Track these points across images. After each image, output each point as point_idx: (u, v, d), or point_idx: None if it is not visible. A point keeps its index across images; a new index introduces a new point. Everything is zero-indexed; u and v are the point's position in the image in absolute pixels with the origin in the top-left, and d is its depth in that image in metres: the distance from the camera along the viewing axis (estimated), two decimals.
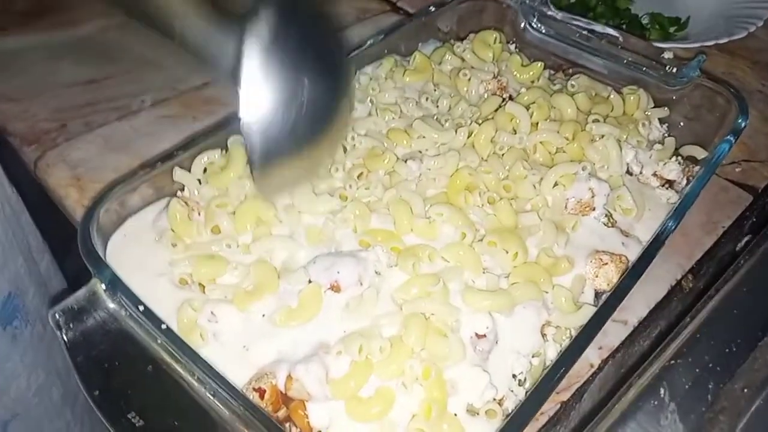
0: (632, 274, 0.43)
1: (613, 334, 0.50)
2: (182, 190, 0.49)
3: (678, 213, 0.46)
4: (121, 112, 0.67)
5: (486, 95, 0.57)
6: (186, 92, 0.70)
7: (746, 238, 0.59)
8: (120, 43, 0.76)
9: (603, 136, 0.53)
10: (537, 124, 0.54)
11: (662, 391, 0.31)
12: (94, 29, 0.78)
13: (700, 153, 0.58)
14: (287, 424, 0.38)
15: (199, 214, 0.46)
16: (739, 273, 0.38)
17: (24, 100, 0.68)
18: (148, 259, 0.44)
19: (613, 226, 0.50)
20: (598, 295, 0.46)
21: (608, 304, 0.40)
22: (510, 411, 0.39)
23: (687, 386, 0.32)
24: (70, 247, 0.70)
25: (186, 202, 0.46)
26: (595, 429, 0.30)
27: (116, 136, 0.64)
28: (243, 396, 0.35)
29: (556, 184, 0.50)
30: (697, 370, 0.32)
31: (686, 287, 0.55)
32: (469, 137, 0.52)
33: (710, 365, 0.32)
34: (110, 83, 0.71)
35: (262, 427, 0.33)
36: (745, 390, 0.30)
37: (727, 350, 0.33)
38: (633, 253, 0.47)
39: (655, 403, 0.31)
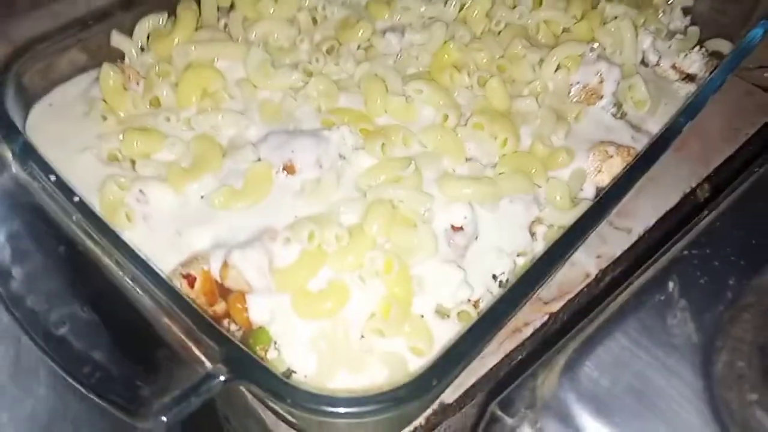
0: (637, 165, 0.36)
1: (613, 243, 0.43)
2: (122, 59, 0.42)
3: (695, 105, 0.39)
4: None
5: None
6: None
7: None
8: None
9: (617, 17, 0.45)
10: (541, 1, 0.46)
11: (671, 285, 0.25)
12: None
13: (726, 47, 0.50)
14: (226, 321, 0.33)
15: (137, 83, 0.40)
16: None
17: None
18: (74, 131, 0.38)
19: (622, 118, 0.43)
20: (599, 192, 0.39)
21: (608, 197, 0.34)
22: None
23: (702, 281, 0.25)
24: None
25: (123, 70, 0.40)
26: (586, 327, 0.24)
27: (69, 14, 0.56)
28: (166, 282, 0.29)
29: (559, 67, 0.42)
30: (716, 263, 0.26)
31: (701, 197, 0.49)
32: (461, 10, 0.45)
33: (732, 258, 0.26)
34: None
35: (186, 318, 0.28)
36: None
37: (754, 242, 0.26)
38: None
39: (662, 298, 0.25)
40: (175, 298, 0.28)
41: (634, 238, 0.44)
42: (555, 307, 0.40)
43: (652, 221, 0.46)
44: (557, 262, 0.31)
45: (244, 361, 0.26)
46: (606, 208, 0.34)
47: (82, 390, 0.27)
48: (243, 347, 0.27)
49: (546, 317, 0.39)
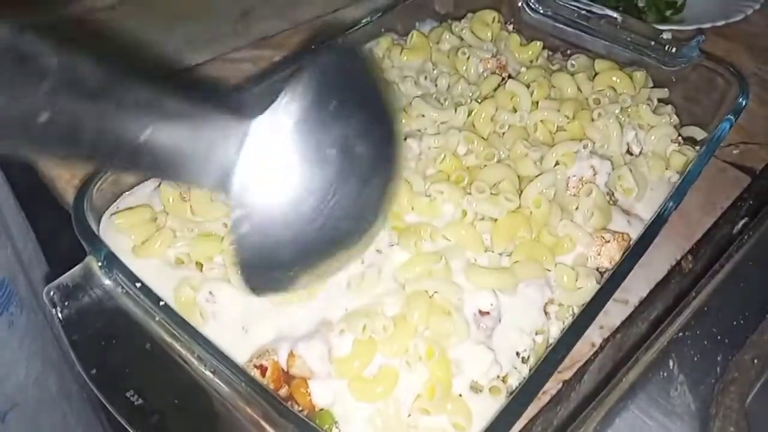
0: (634, 251, 0.42)
1: (613, 314, 0.49)
2: None
3: (680, 191, 0.46)
4: None
5: (485, 74, 0.57)
6: (177, 72, 0.69)
7: (743, 221, 0.59)
8: (107, 25, 0.75)
9: (602, 116, 0.52)
10: (537, 103, 0.53)
11: (671, 363, 0.31)
12: (81, 10, 0.77)
13: (699, 134, 0.58)
14: (289, 402, 0.37)
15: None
16: (743, 248, 0.37)
17: None
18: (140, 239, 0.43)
19: (615, 205, 0.49)
20: (600, 272, 0.45)
21: (611, 282, 0.40)
22: (513, 388, 0.39)
23: (695, 358, 0.31)
24: (55, 233, 0.69)
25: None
26: (605, 400, 0.30)
27: None
28: (245, 372, 0.34)
29: (557, 164, 0.49)
30: (706, 343, 0.32)
31: (686, 267, 0.55)
32: (469, 116, 0.51)
33: (718, 337, 0.32)
34: None
35: (264, 403, 0.33)
36: (755, 360, 0.30)
37: (734, 323, 0.32)
38: (635, 232, 0.47)
39: (665, 374, 0.31)
40: (256, 386, 0.33)
41: (630, 308, 0.51)
42: (567, 375, 0.45)
43: (645, 292, 0.52)
44: (574, 342, 0.37)
45: None
46: (610, 291, 0.40)
47: None
48: (317, 427, 0.32)
49: (560, 384, 0.44)
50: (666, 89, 0.60)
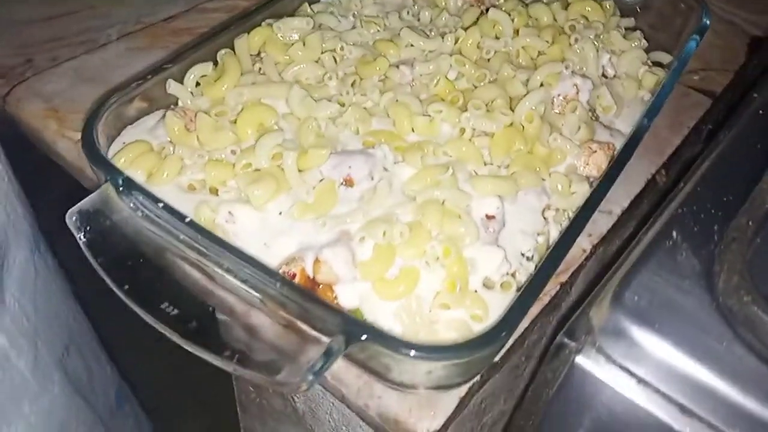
0: (620, 158, 0.45)
1: (600, 223, 0.53)
2: (175, 104, 0.48)
3: (656, 105, 0.49)
4: (88, 45, 0.65)
5: (465, 7, 0.59)
6: (153, 25, 0.68)
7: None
8: None
9: (579, 40, 0.55)
10: (517, 31, 0.56)
11: (674, 233, 0.34)
12: None
13: (665, 58, 0.61)
14: None
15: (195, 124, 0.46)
16: (724, 141, 0.41)
17: None
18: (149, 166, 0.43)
19: (596, 121, 0.52)
20: (590, 181, 0.49)
21: (603, 184, 0.43)
22: (521, 284, 0.41)
23: (695, 229, 0.34)
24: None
25: (184, 113, 0.46)
26: (619, 269, 0.33)
27: (87, 69, 0.62)
28: (281, 276, 0.35)
29: (541, 85, 0.52)
30: (702, 216, 0.35)
31: (660, 181, 0.59)
32: (455, 44, 0.53)
33: (712, 211, 0.35)
34: (72, 19, 0.69)
35: (304, 301, 0.34)
36: (750, 222, 0.33)
37: (724, 199, 0.36)
38: (618, 143, 0.50)
39: (670, 243, 0.34)
40: (294, 288, 0.35)
41: (614, 218, 0.54)
42: (563, 278, 0.48)
43: (626, 203, 0.56)
44: (574, 238, 0.39)
45: (360, 326, 0.33)
46: (602, 193, 0.43)
47: (228, 368, 0.33)
48: (356, 318, 0.34)
49: (558, 286, 0.48)
50: (632, 18, 0.63)
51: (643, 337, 0.30)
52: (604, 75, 0.57)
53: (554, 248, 0.39)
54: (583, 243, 0.51)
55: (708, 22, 0.57)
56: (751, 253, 0.32)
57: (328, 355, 0.32)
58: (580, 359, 0.32)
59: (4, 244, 0.53)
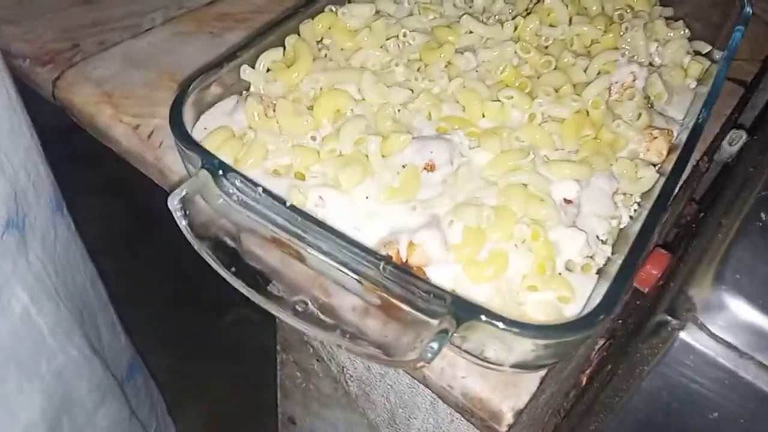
0: (686, 147, 0.47)
1: None
2: (247, 89, 0.49)
3: (711, 96, 0.51)
4: (134, 30, 0.65)
5: None
6: (195, 9, 0.68)
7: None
8: None
9: (629, 29, 0.57)
10: (570, 19, 0.57)
11: (763, 215, 0.36)
12: None
13: (704, 47, 0.63)
14: None
15: (273, 111, 0.47)
16: None
17: (24, 22, 0.64)
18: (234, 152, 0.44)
19: (651, 107, 0.54)
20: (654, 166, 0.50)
21: (676, 171, 0.44)
22: (601, 266, 0.43)
23: None
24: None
25: (262, 99, 0.46)
26: (714, 247, 0.35)
27: (135, 53, 0.62)
28: (383, 257, 0.36)
29: (599, 73, 0.53)
30: None
31: (702, 167, 0.61)
32: (515, 31, 0.54)
33: None
34: (112, 3, 0.68)
35: (409, 281, 0.35)
36: None
37: None
38: (675, 130, 0.52)
39: (760, 224, 0.35)
40: (402, 270, 0.36)
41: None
42: None
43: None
44: (656, 224, 0.41)
45: (468, 306, 0.35)
46: (674, 182, 0.44)
47: (342, 344, 0.34)
48: (467, 299, 0.35)
49: None
50: (671, 8, 0.65)
51: (746, 311, 0.32)
52: (651, 64, 0.59)
53: (639, 236, 0.40)
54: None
55: (750, 11, 0.58)
56: None
57: (443, 335, 0.33)
58: (684, 335, 0.33)
59: (27, 203, 0.53)
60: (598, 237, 0.45)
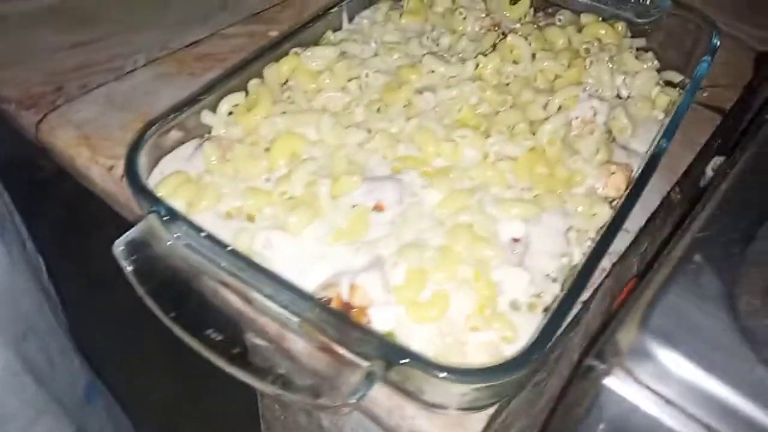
0: (640, 179, 0.47)
1: (618, 242, 0.55)
2: (208, 132, 0.50)
3: (672, 125, 0.51)
4: (117, 72, 0.67)
5: (482, 32, 0.61)
6: (178, 50, 0.70)
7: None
8: (99, 8, 0.76)
9: (594, 63, 0.57)
10: (534, 55, 0.58)
11: (697, 257, 0.36)
12: None
13: (676, 77, 0.63)
14: None
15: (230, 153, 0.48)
16: (741, 162, 0.43)
17: (11, 66, 0.67)
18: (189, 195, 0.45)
19: (613, 141, 0.54)
20: (609, 202, 0.50)
21: (624, 207, 0.44)
22: (548, 304, 0.43)
23: (717, 252, 0.36)
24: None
25: (219, 143, 0.48)
26: (644, 292, 0.35)
27: (116, 96, 0.64)
28: (318, 301, 0.37)
29: (560, 108, 0.53)
30: (723, 239, 0.37)
31: (674, 198, 0.61)
32: (476, 69, 0.55)
33: (731, 234, 0.37)
34: (98, 46, 0.71)
35: (342, 325, 0.36)
36: None
37: (744, 221, 0.38)
38: (635, 164, 0.52)
39: (693, 266, 0.35)
40: (333, 313, 0.37)
41: (632, 236, 0.56)
42: (585, 296, 0.50)
43: (642, 221, 0.57)
44: (600, 259, 0.41)
45: (398, 350, 0.35)
46: (624, 215, 0.44)
47: (275, 393, 0.35)
48: (395, 342, 0.36)
49: (580, 305, 0.49)
50: (643, 39, 0.65)
51: (670, 359, 0.32)
52: (618, 96, 0.59)
53: (581, 272, 0.40)
54: (603, 262, 0.53)
55: (717, 42, 0.58)
56: None
57: (371, 379, 0.34)
58: (608, 381, 0.33)
59: None
60: (548, 275, 0.45)
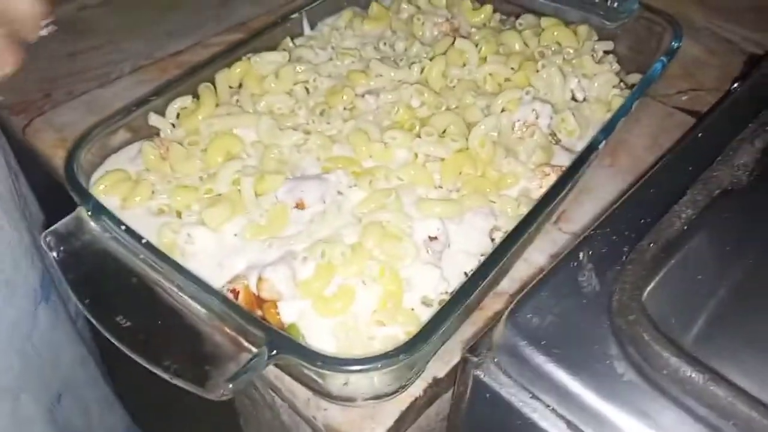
0: (564, 178, 0.46)
1: (563, 244, 0.54)
2: (158, 134, 0.53)
3: (611, 124, 0.50)
4: (102, 80, 0.71)
5: (439, 37, 0.62)
6: (162, 59, 0.74)
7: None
8: (97, 20, 0.81)
9: (545, 66, 0.57)
10: (486, 59, 0.58)
11: (581, 255, 0.36)
12: (72, 8, 0.83)
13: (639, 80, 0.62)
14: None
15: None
16: (658, 165, 0.42)
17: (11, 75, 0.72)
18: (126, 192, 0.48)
19: (557, 144, 0.54)
20: None
21: (541, 203, 0.44)
22: None
23: (604, 250, 0.36)
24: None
25: (161, 143, 0.50)
26: (524, 291, 0.35)
27: (98, 101, 0.68)
28: (219, 293, 0.39)
29: (503, 110, 0.54)
30: (614, 237, 0.36)
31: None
32: (422, 73, 0.56)
33: (626, 233, 0.37)
34: (90, 55, 0.75)
35: (237, 317, 0.38)
36: (651, 245, 0.34)
37: (641, 221, 0.37)
38: None
39: (575, 264, 0.35)
40: (229, 304, 0.38)
41: (575, 237, 0.55)
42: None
43: (587, 221, 0.56)
44: (502, 257, 0.41)
45: (283, 339, 0.36)
46: (537, 214, 0.44)
47: (165, 376, 0.37)
48: (281, 331, 0.37)
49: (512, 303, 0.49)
50: (610, 42, 0.64)
51: (533, 355, 0.32)
52: (574, 99, 0.59)
53: (481, 265, 0.40)
54: (540, 260, 0.52)
55: (677, 45, 0.57)
56: (660, 278, 0.34)
57: (248, 366, 0.35)
58: (478, 373, 0.33)
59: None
60: (465, 273, 0.45)
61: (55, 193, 0.73)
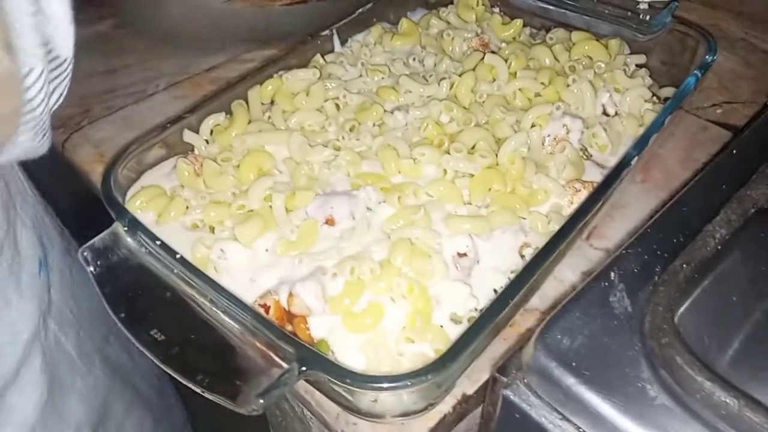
0: (595, 194, 0.46)
1: (595, 261, 0.54)
2: (192, 150, 0.54)
3: (643, 139, 0.50)
4: (138, 96, 0.73)
5: (469, 52, 0.62)
6: (196, 75, 0.76)
7: None
8: (132, 38, 0.83)
9: (576, 81, 0.57)
10: (516, 74, 0.58)
11: (612, 274, 0.35)
12: (107, 27, 0.85)
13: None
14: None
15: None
16: (691, 183, 0.41)
17: None
18: (162, 207, 0.49)
19: (588, 159, 0.53)
20: None
21: (572, 219, 0.44)
22: None
23: (636, 270, 0.35)
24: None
25: (195, 159, 0.52)
26: (555, 310, 0.34)
27: (134, 117, 0.70)
28: (251, 308, 0.40)
29: (533, 126, 0.53)
30: (646, 257, 0.36)
31: None
32: (451, 89, 0.56)
33: (658, 252, 0.36)
34: (127, 72, 0.77)
35: (269, 333, 0.38)
36: (684, 266, 0.34)
37: (674, 240, 0.37)
38: None
39: (606, 284, 0.35)
40: (260, 319, 0.39)
41: (610, 254, 0.54)
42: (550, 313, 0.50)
43: (620, 238, 0.56)
44: (533, 274, 0.41)
45: (314, 356, 0.37)
46: (568, 231, 0.44)
47: (197, 390, 0.38)
48: (312, 347, 0.37)
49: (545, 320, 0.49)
50: (643, 55, 0.64)
51: (563, 376, 0.32)
52: (605, 113, 0.58)
53: (511, 282, 0.40)
54: (571, 277, 0.52)
55: (711, 59, 0.56)
56: (694, 299, 0.33)
57: (279, 381, 0.36)
58: (507, 393, 0.33)
59: (47, 245, 0.61)
60: (495, 291, 0.45)
61: (92, 207, 0.75)
